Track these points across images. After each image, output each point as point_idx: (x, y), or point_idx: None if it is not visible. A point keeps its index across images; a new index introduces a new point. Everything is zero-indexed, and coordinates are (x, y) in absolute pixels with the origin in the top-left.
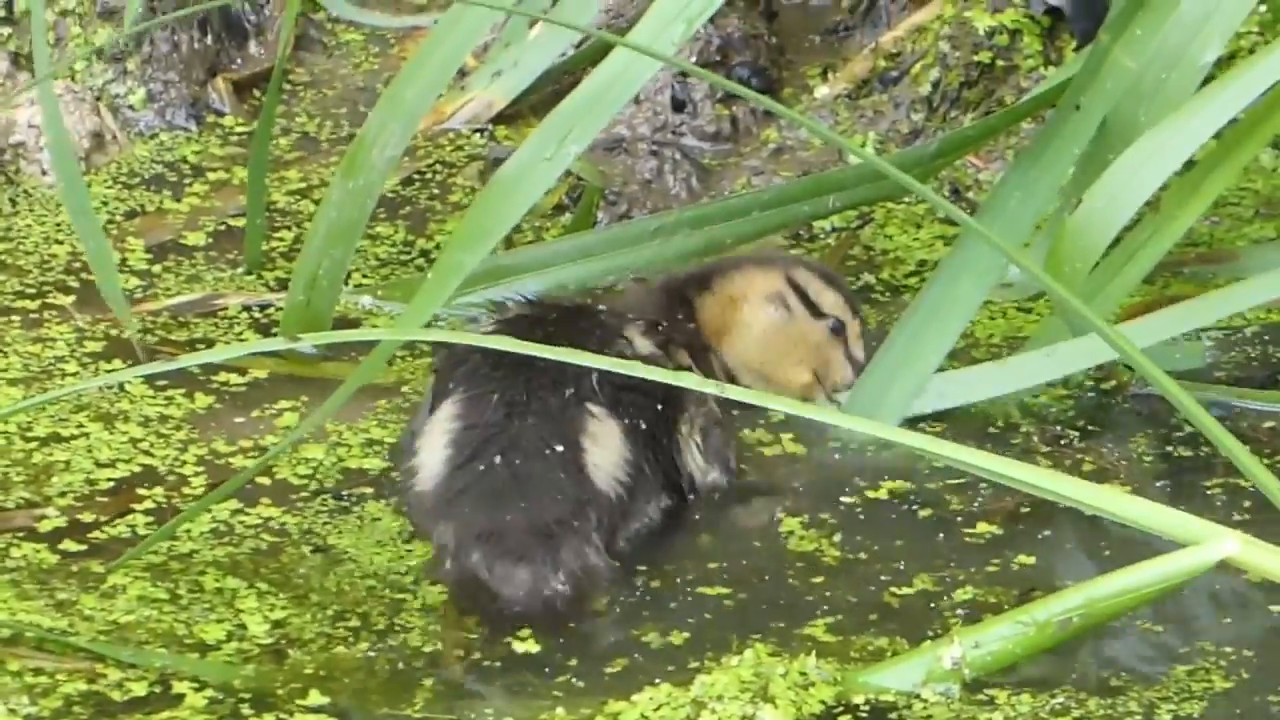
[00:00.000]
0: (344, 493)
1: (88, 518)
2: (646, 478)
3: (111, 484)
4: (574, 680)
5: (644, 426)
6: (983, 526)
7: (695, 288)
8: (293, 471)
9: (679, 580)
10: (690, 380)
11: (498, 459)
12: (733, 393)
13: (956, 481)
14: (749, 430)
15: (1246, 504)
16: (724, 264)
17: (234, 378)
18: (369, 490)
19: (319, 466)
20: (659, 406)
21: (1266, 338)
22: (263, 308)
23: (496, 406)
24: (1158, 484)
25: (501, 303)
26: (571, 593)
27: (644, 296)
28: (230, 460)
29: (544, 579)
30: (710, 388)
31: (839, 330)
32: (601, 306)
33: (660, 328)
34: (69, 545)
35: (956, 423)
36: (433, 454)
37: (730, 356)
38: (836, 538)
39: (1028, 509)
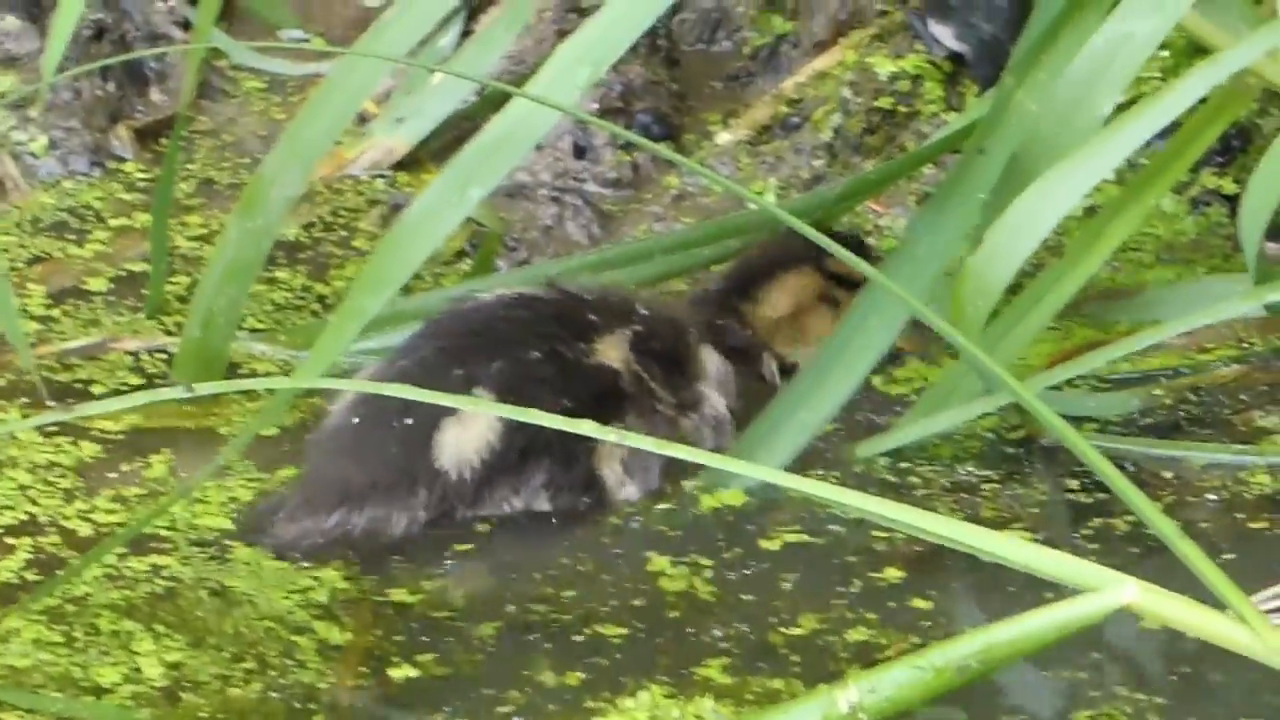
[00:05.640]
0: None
1: None
2: (515, 463)
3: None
4: None
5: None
6: (888, 570)
7: (739, 299)
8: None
9: (569, 616)
10: (588, 428)
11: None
12: (630, 440)
13: (861, 525)
14: None
15: (1149, 549)
16: (755, 269)
17: (109, 425)
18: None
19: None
20: (566, 403)
21: (1180, 385)
22: (152, 352)
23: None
24: (1060, 529)
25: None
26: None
27: (687, 308)
28: (112, 510)
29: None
30: (611, 436)
31: None
32: (615, 300)
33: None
34: None
35: (855, 467)
36: None
37: (790, 353)
38: (732, 575)
39: (922, 550)
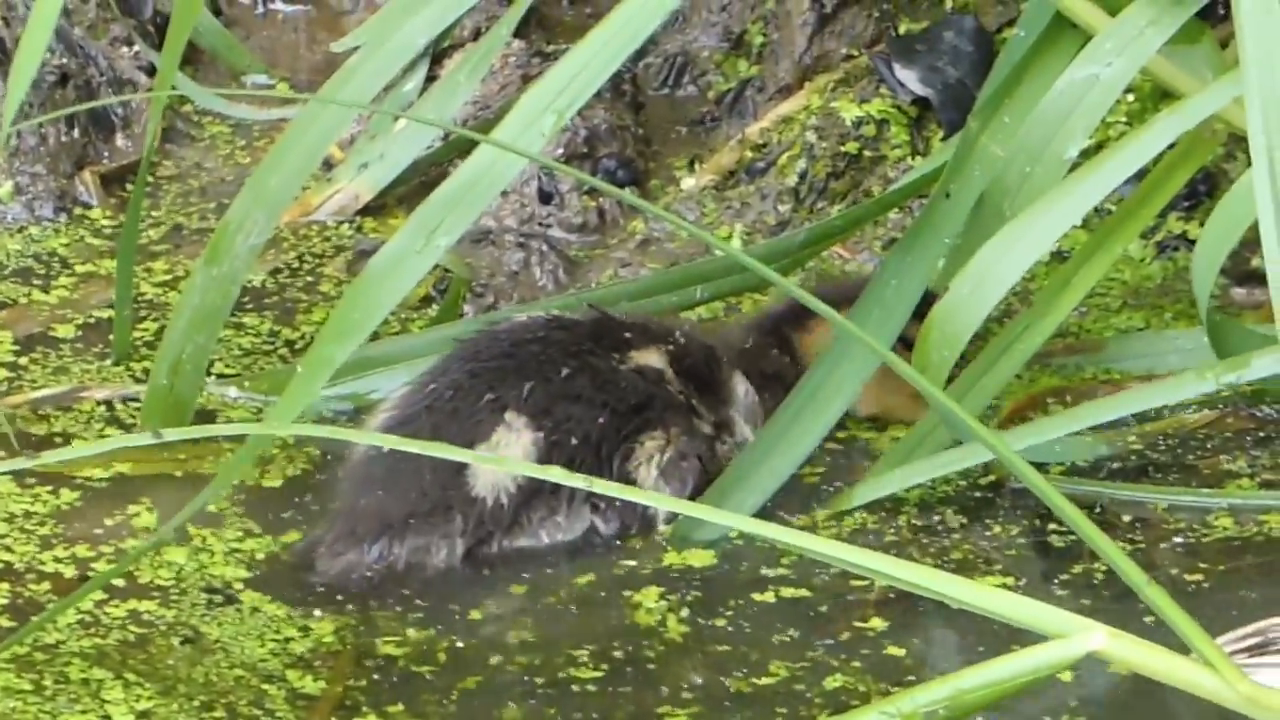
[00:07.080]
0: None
1: None
2: (551, 487)
3: None
4: None
5: (574, 441)
6: (860, 616)
7: (791, 327)
8: (154, 574)
9: (541, 662)
10: (558, 474)
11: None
12: (599, 486)
13: (834, 571)
14: None
15: (1124, 591)
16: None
17: (97, 472)
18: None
19: (179, 570)
20: (602, 417)
21: (1147, 430)
22: (125, 400)
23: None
24: (1031, 575)
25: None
26: None
27: (735, 333)
28: (91, 558)
29: None
30: (578, 482)
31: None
32: (639, 323)
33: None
34: None
35: (824, 514)
36: None
37: None
38: (717, 622)
39: (895, 597)
